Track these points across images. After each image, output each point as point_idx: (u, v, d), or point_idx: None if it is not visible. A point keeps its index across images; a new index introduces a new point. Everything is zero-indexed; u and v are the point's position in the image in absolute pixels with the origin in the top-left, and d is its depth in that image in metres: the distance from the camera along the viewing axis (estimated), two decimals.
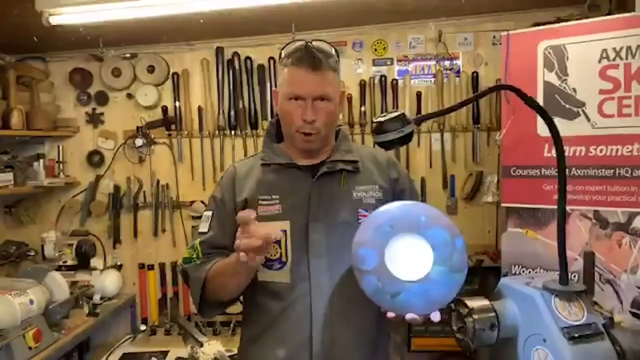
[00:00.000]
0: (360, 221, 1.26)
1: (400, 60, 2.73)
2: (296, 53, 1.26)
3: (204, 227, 1.36)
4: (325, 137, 1.33)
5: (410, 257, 1.03)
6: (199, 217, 1.45)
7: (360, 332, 1.29)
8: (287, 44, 1.32)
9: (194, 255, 1.33)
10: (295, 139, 1.31)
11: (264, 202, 1.30)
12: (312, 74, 1.24)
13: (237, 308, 1.43)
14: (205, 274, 1.28)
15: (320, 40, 1.30)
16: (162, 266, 2.92)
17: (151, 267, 2.92)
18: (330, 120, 1.31)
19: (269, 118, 2.77)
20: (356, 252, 1.07)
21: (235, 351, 1.54)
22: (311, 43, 1.27)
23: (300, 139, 1.30)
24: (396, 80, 2.71)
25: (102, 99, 2.91)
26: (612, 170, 1.85)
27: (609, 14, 2.14)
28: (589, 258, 1.06)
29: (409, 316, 1.04)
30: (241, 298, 1.38)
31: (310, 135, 1.28)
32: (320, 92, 1.25)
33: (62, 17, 2.09)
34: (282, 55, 1.31)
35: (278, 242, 1.26)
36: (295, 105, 1.26)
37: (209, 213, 1.38)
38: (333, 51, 1.31)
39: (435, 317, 1.04)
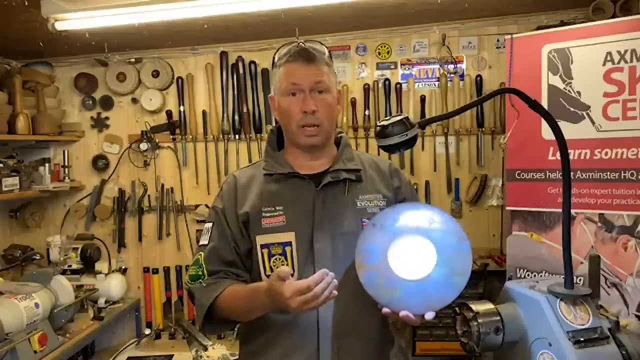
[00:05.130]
0: None
1: (404, 64, 2.74)
2: (289, 52, 1.28)
3: (204, 240, 1.33)
4: (327, 132, 1.31)
5: (414, 257, 1.04)
6: (204, 221, 1.44)
7: (367, 343, 1.27)
8: (279, 48, 1.33)
9: (200, 273, 1.29)
10: (297, 135, 1.29)
11: (268, 214, 1.27)
12: (307, 66, 1.25)
13: None
14: (211, 301, 1.24)
15: (313, 41, 1.33)
16: (166, 270, 2.92)
17: (156, 271, 2.93)
18: (331, 113, 1.30)
19: (273, 122, 2.77)
20: (360, 247, 1.08)
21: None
22: (304, 43, 1.29)
23: (302, 134, 1.28)
24: (400, 84, 2.71)
25: (107, 103, 2.93)
26: (618, 174, 1.85)
27: (613, 17, 2.14)
28: (595, 261, 1.05)
29: (402, 313, 1.04)
30: None
31: (312, 127, 1.26)
32: (316, 80, 1.25)
33: (67, 22, 2.10)
34: (275, 59, 1.32)
35: (284, 254, 1.25)
36: (293, 99, 1.26)
37: (209, 225, 1.34)
38: (325, 50, 1.32)
39: (429, 315, 1.04)
